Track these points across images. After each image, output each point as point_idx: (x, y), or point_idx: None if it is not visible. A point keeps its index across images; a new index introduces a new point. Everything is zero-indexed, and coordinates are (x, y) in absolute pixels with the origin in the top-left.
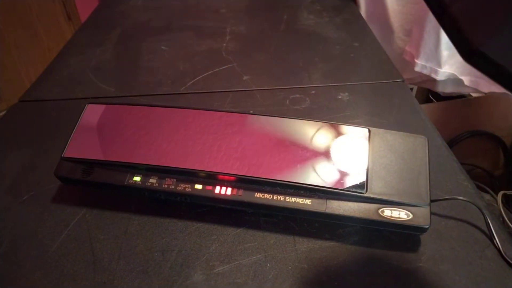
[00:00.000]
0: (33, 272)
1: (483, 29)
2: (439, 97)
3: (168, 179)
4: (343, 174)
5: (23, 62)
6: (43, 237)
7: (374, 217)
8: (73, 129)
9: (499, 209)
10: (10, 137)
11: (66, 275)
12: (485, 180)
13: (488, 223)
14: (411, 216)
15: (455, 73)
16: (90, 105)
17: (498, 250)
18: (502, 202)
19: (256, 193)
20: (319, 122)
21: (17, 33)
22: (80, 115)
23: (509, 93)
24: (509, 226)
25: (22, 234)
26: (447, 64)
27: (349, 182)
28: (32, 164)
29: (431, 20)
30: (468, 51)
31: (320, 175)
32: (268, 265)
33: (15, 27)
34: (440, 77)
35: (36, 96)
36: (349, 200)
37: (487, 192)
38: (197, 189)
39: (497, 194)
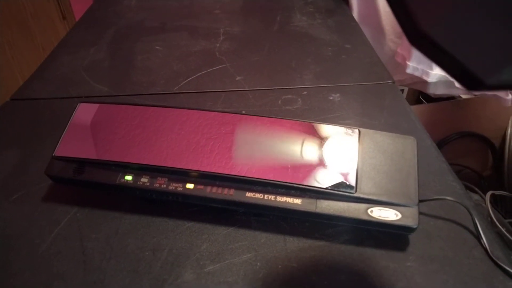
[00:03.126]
0: (23, 272)
1: (430, 11)
2: (430, 99)
3: (160, 179)
4: (333, 174)
5: (17, 61)
6: (34, 236)
7: (364, 217)
8: (65, 128)
9: (487, 209)
10: (1, 136)
11: (56, 275)
12: (474, 181)
13: (476, 223)
14: (399, 216)
15: (446, 75)
16: (82, 104)
17: (485, 250)
18: (490, 202)
19: (247, 193)
20: (310, 123)
21: (11, 32)
22: (72, 114)
23: (497, 94)
24: (496, 226)
25: (12, 233)
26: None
27: (339, 182)
28: (23, 163)
29: None
30: (414, 33)
31: (311, 175)
32: (259, 264)
33: (9, 26)
34: (431, 79)
35: (28, 94)
36: (339, 200)
37: (475, 192)
38: (189, 189)
39: (485, 194)
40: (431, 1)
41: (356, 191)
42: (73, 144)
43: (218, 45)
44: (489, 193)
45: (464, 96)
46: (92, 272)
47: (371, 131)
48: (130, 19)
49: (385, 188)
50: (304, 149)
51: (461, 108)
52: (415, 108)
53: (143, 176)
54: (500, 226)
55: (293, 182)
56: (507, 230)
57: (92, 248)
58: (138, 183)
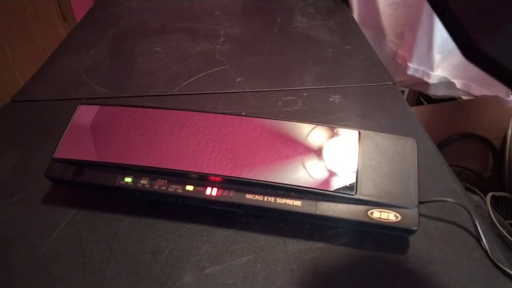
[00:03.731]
0: (22, 274)
1: (484, 26)
2: (430, 100)
3: (160, 180)
4: (333, 176)
5: (17, 63)
6: (33, 238)
7: (363, 218)
8: (65, 130)
9: (488, 211)
10: (1, 137)
11: (55, 277)
12: (474, 182)
13: (476, 225)
14: (399, 217)
15: (447, 76)
16: (82, 105)
17: (486, 252)
18: (491, 203)
19: (247, 194)
20: (311, 124)
21: (12, 33)
22: (72, 116)
23: (498, 94)
24: (497, 227)
25: (11, 235)
26: (439, 67)
27: (339, 183)
28: (23, 164)
29: (424, 24)
30: (469, 49)
31: (311, 176)
32: (258, 266)
33: (10, 27)
34: (432, 80)
35: (28, 96)
36: (339, 202)
37: (476, 193)
38: (188, 190)
39: (486, 195)
40: (485, 17)
41: (356, 192)
42: (73, 146)
43: (218, 46)
44: (489, 195)
45: (464, 97)
46: (91, 274)
47: (371, 132)
48: (131, 20)
49: (385, 190)
50: (304, 151)
51: (462, 109)
52: (416, 109)
53: (143, 178)
54: (500, 228)
55: (293, 184)
56: (508, 232)
57: (91, 250)
58: (137, 185)
